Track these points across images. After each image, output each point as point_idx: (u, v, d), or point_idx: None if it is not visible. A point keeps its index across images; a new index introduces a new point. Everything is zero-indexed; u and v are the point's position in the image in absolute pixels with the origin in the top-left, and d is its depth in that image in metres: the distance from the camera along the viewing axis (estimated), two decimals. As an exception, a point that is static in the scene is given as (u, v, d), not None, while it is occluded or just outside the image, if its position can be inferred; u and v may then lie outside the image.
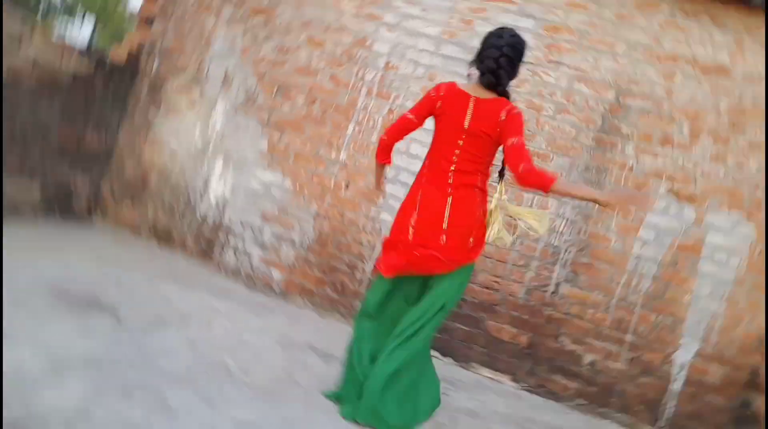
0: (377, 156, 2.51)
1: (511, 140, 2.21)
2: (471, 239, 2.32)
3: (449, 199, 2.30)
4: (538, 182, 2.16)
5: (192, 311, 2.94)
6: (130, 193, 4.18)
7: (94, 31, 18.06)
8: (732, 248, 3.30)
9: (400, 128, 2.42)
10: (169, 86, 4.16)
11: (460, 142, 2.28)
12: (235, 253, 3.97)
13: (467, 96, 2.29)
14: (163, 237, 4.09)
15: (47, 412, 1.71)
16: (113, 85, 4.04)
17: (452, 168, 2.29)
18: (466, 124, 2.26)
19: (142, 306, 2.77)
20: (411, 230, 2.33)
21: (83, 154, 3.97)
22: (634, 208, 2.28)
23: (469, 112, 2.27)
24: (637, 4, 3.47)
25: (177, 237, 4.07)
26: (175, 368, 2.28)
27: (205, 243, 4.02)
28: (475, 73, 2.36)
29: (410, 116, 2.39)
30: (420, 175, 2.41)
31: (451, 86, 2.34)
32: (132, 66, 4.16)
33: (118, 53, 4.18)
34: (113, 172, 4.21)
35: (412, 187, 2.43)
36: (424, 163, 2.43)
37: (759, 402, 3.14)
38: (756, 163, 3.30)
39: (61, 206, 3.91)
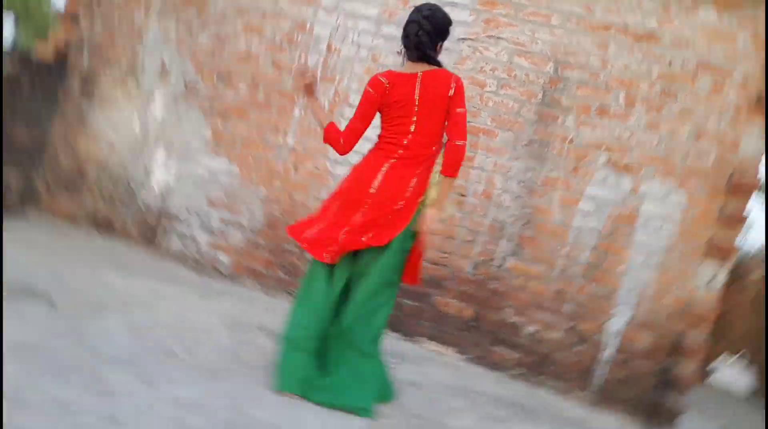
0: (339, 152, 2.49)
1: (457, 110, 2.32)
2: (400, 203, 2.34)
3: (385, 169, 2.35)
4: (460, 162, 2.33)
5: (134, 296, 2.89)
6: (66, 185, 4.09)
7: (15, 28, 17.35)
8: (664, 216, 3.39)
9: (354, 138, 2.44)
10: (103, 80, 4.08)
11: (414, 119, 2.33)
12: (180, 239, 3.92)
13: (412, 76, 2.34)
14: (104, 226, 4.02)
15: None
16: (41, 82, 3.97)
17: (405, 142, 2.34)
18: (417, 100, 2.31)
19: (80, 293, 2.72)
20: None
21: (13, 149, 3.86)
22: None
23: (417, 87, 2.32)
24: (568, -26, 3.50)
25: (118, 225, 4.01)
26: (115, 351, 2.25)
27: (149, 230, 3.97)
28: (403, 50, 2.41)
29: (358, 125, 2.42)
30: (370, 157, 2.43)
31: (390, 74, 2.38)
32: (60, 62, 4.09)
33: (44, 50, 4.10)
34: (46, 165, 4.13)
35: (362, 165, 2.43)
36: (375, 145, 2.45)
37: (680, 367, 3.26)
38: (686, 130, 3.39)
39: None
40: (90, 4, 4.11)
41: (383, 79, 2.36)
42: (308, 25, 3.83)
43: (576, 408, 3.29)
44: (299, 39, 3.84)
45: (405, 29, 2.37)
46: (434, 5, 2.39)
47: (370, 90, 2.36)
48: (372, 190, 2.33)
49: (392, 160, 2.35)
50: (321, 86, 3.78)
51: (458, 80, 2.35)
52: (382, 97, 2.35)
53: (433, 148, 2.38)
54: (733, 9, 3.34)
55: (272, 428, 2.02)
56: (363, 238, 2.33)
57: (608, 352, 3.41)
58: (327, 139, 2.47)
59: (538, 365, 3.48)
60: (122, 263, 3.49)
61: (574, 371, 3.44)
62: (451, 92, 2.31)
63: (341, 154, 2.50)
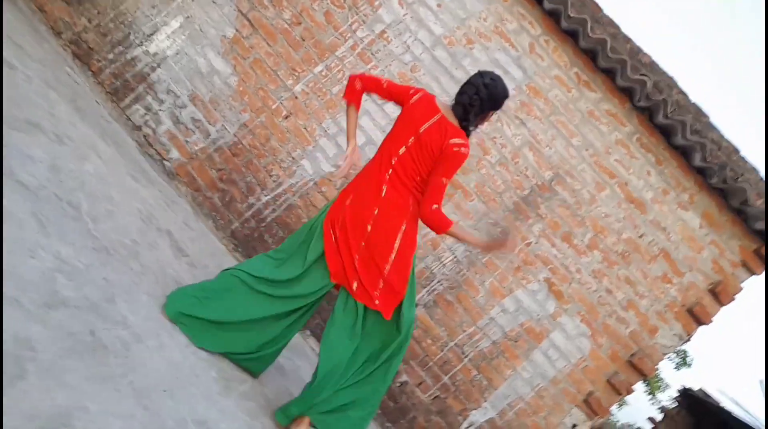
0: (346, 93, 2.47)
1: (441, 178, 2.28)
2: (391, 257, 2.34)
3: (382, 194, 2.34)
4: (439, 224, 2.28)
5: (72, 137, 2.69)
6: None
7: None
8: (565, 352, 3.59)
9: (373, 85, 2.45)
10: None
11: (404, 147, 2.31)
12: (146, 110, 3.71)
13: (437, 110, 2.34)
14: (82, 55, 3.73)
15: None
16: None
17: (393, 161, 2.33)
18: (422, 129, 2.30)
19: (22, 109, 2.49)
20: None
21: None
22: (502, 252, 2.50)
23: (430, 122, 2.31)
24: (608, 111, 3.69)
25: (96, 62, 3.73)
26: (27, 179, 2.08)
27: (122, 84, 3.72)
28: (451, 101, 2.44)
29: (384, 84, 2.43)
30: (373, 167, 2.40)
31: (429, 97, 2.40)
32: None
33: None
34: None
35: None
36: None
37: None
38: (622, 295, 3.61)
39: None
40: None
41: (424, 93, 2.40)
42: (377, 2, 3.78)
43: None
44: (363, 7, 3.77)
45: (463, 86, 2.38)
46: (498, 76, 2.38)
47: (411, 89, 2.41)
48: (368, 229, 2.30)
49: (388, 174, 2.34)
50: (352, 60, 3.74)
51: (461, 148, 2.28)
52: (404, 100, 2.38)
53: (410, 199, 2.33)
54: (714, 228, 3.63)
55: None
56: (375, 301, 2.31)
57: None
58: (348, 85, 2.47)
59: (396, 414, 3.56)
60: (80, 103, 3.24)
61: None
62: (444, 148, 2.26)
63: (347, 95, 2.47)
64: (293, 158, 3.71)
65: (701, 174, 3.59)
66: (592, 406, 3.54)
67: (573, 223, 3.66)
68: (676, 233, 3.64)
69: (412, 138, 2.30)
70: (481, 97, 2.31)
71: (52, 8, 3.76)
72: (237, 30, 3.76)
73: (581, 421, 3.56)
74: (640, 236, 3.66)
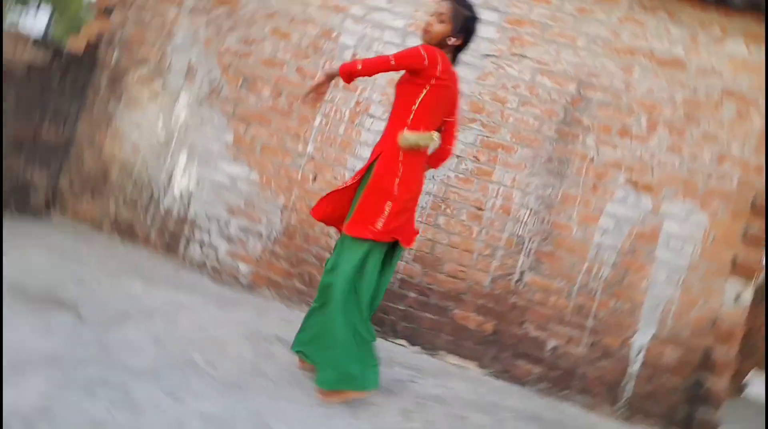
0: (342, 73, 2.40)
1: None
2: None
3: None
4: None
5: (156, 306, 2.91)
6: (90, 187, 4.09)
7: (50, 20, 17.44)
8: (686, 236, 3.42)
9: (377, 68, 2.42)
10: (130, 78, 4.07)
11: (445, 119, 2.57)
12: (200, 247, 3.93)
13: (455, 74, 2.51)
14: (126, 232, 4.02)
15: (7, 413, 1.67)
16: (71, 76, 3.93)
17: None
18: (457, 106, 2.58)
19: (104, 302, 2.73)
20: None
21: (40, 147, 3.86)
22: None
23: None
24: (596, -1, 3.54)
25: (140, 231, 4.01)
26: (140, 364, 2.26)
27: (170, 237, 3.97)
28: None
29: (392, 62, 2.37)
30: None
31: (448, 61, 2.45)
32: (90, 57, 4.06)
33: (76, 43, 4.06)
34: (72, 165, 4.11)
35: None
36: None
37: (711, 381, 3.28)
38: (709, 154, 3.42)
39: (18, 201, 3.80)
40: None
41: (441, 56, 2.40)
42: (335, 33, 3.84)
43: (605, 422, 3.29)
44: (325, 46, 3.85)
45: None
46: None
47: (424, 51, 2.35)
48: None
49: None
50: (342, 95, 3.81)
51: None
52: (432, 66, 2.37)
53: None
54: (761, 42, 3.38)
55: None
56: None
57: (634, 367, 3.42)
58: (344, 67, 2.39)
59: (563, 380, 3.49)
60: (144, 271, 3.50)
61: (601, 386, 3.45)
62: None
63: (356, 67, 2.38)
64: (341, 210, 3.79)
65: (720, 1, 3.35)
66: (742, 271, 3.34)
67: (621, 116, 3.52)
68: (728, 69, 3.41)
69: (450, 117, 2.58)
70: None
71: (83, 210, 4.08)
72: (233, 132, 3.93)
73: (742, 290, 3.36)
74: (695, 91, 3.45)
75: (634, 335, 3.44)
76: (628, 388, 3.42)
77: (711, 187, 3.41)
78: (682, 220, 3.43)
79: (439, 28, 2.40)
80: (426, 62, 2.32)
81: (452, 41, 2.44)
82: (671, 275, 3.42)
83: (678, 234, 3.43)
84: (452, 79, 2.47)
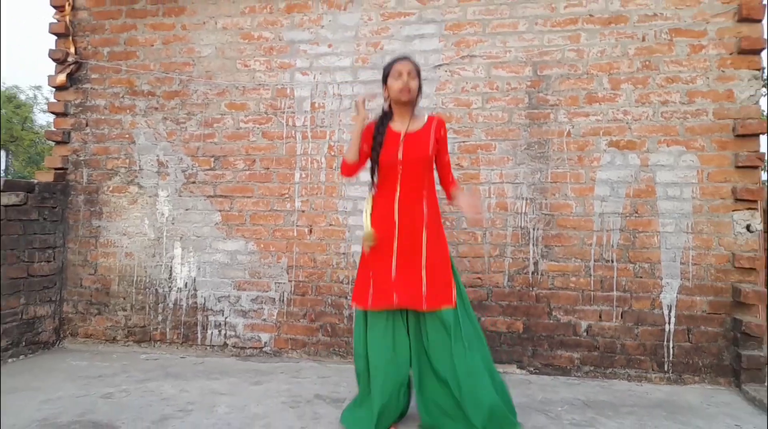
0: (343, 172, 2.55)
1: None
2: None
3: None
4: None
5: (192, 400, 2.87)
6: (95, 305, 4.09)
7: (7, 160, 17.69)
8: (681, 180, 3.41)
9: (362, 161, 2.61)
10: (105, 190, 4.11)
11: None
12: (218, 330, 3.91)
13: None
14: (141, 336, 4.00)
15: None
16: (48, 206, 3.97)
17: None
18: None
19: (139, 412, 2.69)
20: None
21: (36, 282, 3.87)
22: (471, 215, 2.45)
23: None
24: (522, -18, 3.61)
25: (155, 332, 3.99)
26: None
27: (185, 328, 3.95)
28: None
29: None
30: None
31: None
32: (62, 182, 4.11)
33: (43, 175, 4.13)
34: (71, 288, 4.12)
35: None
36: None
37: (748, 317, 3.22)
38: (677, 95, 3.44)
39: (27, 339, 3.79)
40: (77, 121, 4.17)
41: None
42: (288, 90, 3.91)
43: (657, 390, 3.23)
44: (283, 105, 3.90)
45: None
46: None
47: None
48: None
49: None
50: (314, 144, 3.84)
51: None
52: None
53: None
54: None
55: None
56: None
57: (670, 325, 3.38)
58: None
59: (605, 358, 3.44)
60: (170, 370, 3.47)
61: (643, 353, 3.40)
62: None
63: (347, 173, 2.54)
64: (344, 253, 3.79)
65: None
66: (746, 198, 3.31)
67: (583, 84, 3.55)
68: (668, 8, 3.47)
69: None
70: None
71: (93, 329, 4.06)
72: (219, 211, 3.95)
73: (751, 218, 3.33)
74: (644, 39, 3.50)
75: (661, 293, 3.40)
76: (670, 348, 3.37)
77: (690, 125, 3.42)
78: (672, 167, 3.43)
79: (415, 85, 2.45)
80: None
81: (420, 95, 2.55)
82: (679, 223, 3.41)
83: (673, 181, 3.43)
84: None
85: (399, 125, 2.48)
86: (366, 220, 2.46)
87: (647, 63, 3.49)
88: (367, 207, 2.50)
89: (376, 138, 2.47)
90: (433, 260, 2.39)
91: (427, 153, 2.43)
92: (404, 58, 2.49)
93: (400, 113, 2.49)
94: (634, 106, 3.49)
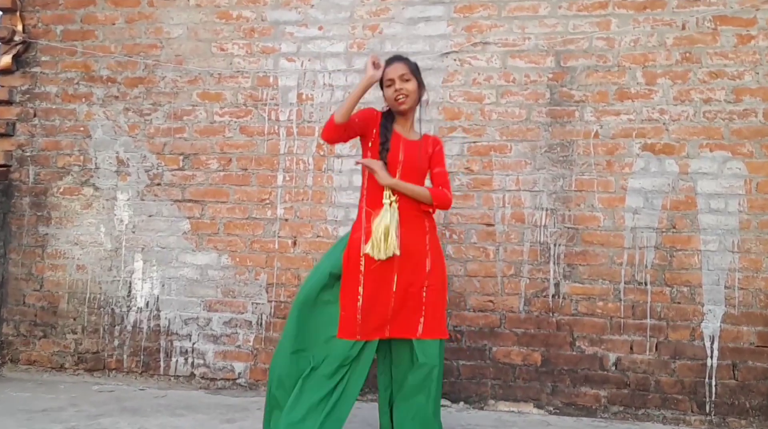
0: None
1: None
2: None
3: None
4: None
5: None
6: (39, 326, 3.67)
7: None
8: (726, 191, 3.10)
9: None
10: (55, 191, 3.70)
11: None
12: (183, 357, 3.53)
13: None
14: (93, 364, 3.59)
15: None
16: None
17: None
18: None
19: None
20: None
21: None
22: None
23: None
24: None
25: (110, 359, 3.59)
26: None
27: (145, 355, 3.56)
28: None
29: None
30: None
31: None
32: (3, 182, 3.70)
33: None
34: (11, 307, 3.69)
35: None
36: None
37: None
38: (722, 92, 3.13)
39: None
40: (24, 110, 3.76)
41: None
42: (271, 78, 3.56)
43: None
44: (265, 96, 3.55)
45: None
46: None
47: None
48: None
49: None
50: (300, 142, 3.51)
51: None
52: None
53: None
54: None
55: None
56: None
57: (712, 360, 3.05)
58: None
59: (637, 396, 3.11)
60: (126, 403, 3.13)
61: (680, 392, 3.07)
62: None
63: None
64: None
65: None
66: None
67: (613, 77, 3.23)
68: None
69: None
70: None
71: (37, 354, 3.64)
72: (188, 218, 3.57)
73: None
74: (684, 28, 3.17)
75: (702, 322, 3.07)
76: (712, 386, 3.04)
77: (736, 127, 3.11)
78: (716, 175, 3.11)
79: (412, 86, 2.35)
80: None
81: (423, 93, 2.44)
82: (723, 240, 3.08)
83: (716, 191, 3.11)
84: None
85: (400, 128, 2.44)
86: (391, 233, 2.29)
87: (687, 55, 3.17)
88: (385, 215, 2.30)
89: (383, 134, 2.37)
90: (435, 287, 2.35)
91: (423, 163, 2.42)
92: (394, 59, 2.41)
93: (399, 119, 2.43)
94: (672, 105, 3.17)
